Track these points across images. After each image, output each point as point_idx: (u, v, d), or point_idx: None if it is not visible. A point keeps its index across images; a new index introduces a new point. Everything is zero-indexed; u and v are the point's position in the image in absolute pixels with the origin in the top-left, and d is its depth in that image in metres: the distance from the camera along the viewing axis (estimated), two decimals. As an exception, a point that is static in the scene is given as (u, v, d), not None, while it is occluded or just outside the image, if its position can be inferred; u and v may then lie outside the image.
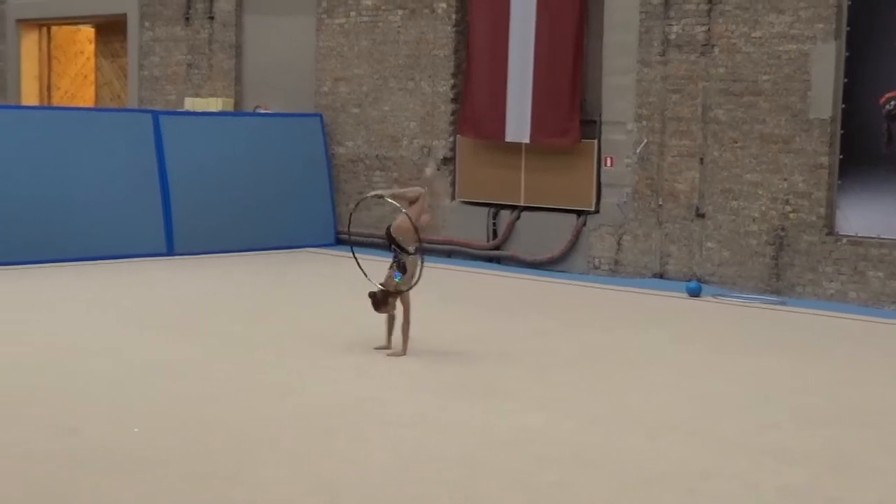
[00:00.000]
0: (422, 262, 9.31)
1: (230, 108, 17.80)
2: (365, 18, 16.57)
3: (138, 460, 6.47)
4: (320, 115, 17.01)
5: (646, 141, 13.99)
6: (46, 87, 21.73)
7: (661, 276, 13.91)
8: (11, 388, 8.12)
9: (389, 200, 9.80)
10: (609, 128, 14.38)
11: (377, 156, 16.58)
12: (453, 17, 15.68)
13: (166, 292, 12.52)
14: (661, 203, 13.91)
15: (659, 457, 6.77)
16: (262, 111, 17.49)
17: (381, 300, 9.22)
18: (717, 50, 13.44)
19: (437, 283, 13.47)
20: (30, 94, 21.44)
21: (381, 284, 9.28)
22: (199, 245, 15.36)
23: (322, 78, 17.15)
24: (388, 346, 9.43)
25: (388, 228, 9.37)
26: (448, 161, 15.85)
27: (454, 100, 15.78)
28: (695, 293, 12.91)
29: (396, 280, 9.22)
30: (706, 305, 12.56)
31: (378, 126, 16.55)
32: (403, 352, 9.26)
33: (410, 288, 9.24)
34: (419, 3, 15.98)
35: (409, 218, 9.21)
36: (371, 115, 16.62)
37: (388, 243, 9.38)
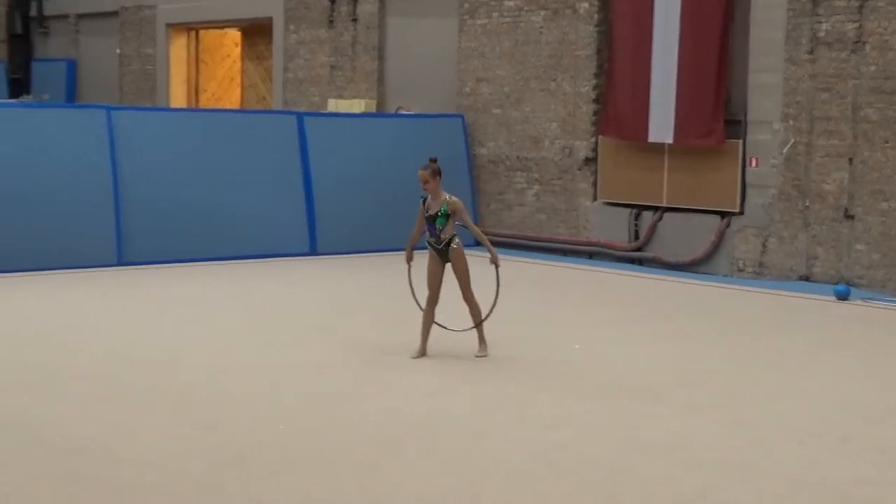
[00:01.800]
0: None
1: (373, 109, 17.97)
2: (507, 19, 16.57)
3: (283, 457, 6.57)
4: (462, 116, 17.06)
5: (793, 141, 13.71)
6: (194, 90, 22.24)
7: (807, 278, 13.62)
8: (155, 385, 8.31)
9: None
10: (754, 127, 14.13)
11: (518, 157, 16.56)
12: (595, 16, 15.57)
13: (309, 292, 12.69)
14: (807, 204, 13.62)
15: (809, 463, 6.63)
16: (404, 112, 17.61)
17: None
18: (868, 47, 13.09)
19: (579, 284, 13.42)
20: (178, 97, 21.98)
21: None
22: (341, 244, 15.55)
23: (464, 79, 17.20)
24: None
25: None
26: (590, 162, 15.75)
27: (596, 100, 15.67)
28: (843, 296, 12.60)
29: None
30: (855, 309, 12.26)
31: (519, 127, 16.53)
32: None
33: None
34: (561, 4, 15.91)
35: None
36: (512, 116, 16.61)
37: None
